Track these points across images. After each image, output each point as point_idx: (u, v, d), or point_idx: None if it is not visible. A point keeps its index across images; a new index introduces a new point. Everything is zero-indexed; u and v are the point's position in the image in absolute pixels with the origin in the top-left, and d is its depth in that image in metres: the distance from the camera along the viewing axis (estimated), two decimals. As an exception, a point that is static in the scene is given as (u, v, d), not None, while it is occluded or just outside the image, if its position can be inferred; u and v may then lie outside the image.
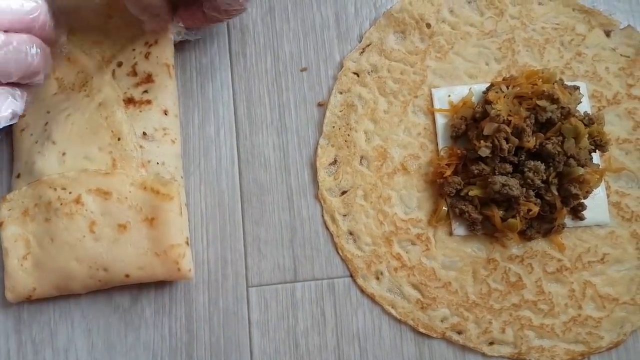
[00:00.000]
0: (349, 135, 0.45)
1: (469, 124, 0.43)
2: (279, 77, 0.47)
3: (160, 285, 0.43)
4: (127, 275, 0.39)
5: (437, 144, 0.44)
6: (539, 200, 0.41)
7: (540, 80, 0.42)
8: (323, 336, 0.42)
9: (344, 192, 0.44)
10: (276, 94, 0.46)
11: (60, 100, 0.43)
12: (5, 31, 0.33)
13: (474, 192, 0.41)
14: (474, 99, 0.44)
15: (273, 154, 0.45)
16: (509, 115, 0.40)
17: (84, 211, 0.39)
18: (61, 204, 0.39)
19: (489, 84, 0.44)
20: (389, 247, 0.43)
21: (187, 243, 0.41)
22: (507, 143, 0.40)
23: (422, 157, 0.44)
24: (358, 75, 0.46)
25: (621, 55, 0.46)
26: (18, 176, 0.42)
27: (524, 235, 0.42)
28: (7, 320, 0.42)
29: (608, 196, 0.43)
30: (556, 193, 0.40)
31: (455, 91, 0.45)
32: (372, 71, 0.46)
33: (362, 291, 0.43)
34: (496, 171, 0.41)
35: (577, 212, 0.42)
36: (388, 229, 0.43)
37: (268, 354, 0.42)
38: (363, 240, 0.43)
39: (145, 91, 0.42)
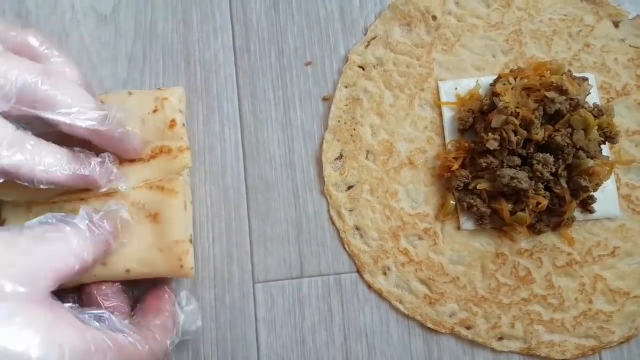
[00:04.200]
0: (354, 129, 0.44)
1: (477, 117, 0.42)
2: (283, 72, 0.46)
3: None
4: (127, 271, 0.38)
5: (444, 138, 0.44)
6: (548, 193, 0.40)
7: (548, 71, 0.41)
8: (330, 332, 0.42)
9: (350, 187, 0.44)
10: (281, 89, 0.46)
11: None
12: None
13: (482, 185, 0.41)
14: (481, 92, 0.44)
15: (278, 149, 0.45)
16: (517, 107, 0.40)
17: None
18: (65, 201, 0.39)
19: (497, 76, 0.43)
20: (396, 242, 0.43)
21: (190, 241, 0.40)
22: (516, 135, 0.39)
23: (429, 150, 0.44)
24: (363, 69, 0.45)
25: (630, 46, 0.45)
26: None
27: (533, 229, 0.42)
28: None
29: (618, 189, 0.43)
30: (565, 186, 0.40)
31: (462, 84, 0.44)
32: (377, 64, 0.45)
33: (369, 287, 0.43)
34: (504, 164, 0.40)
35: (586, 205, 0.42)
36: (395, 223, 0.43)
37: (275, 350, 0.42)
38: (370, 235, 0.43)
39: None
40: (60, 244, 0.30)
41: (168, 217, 0.39)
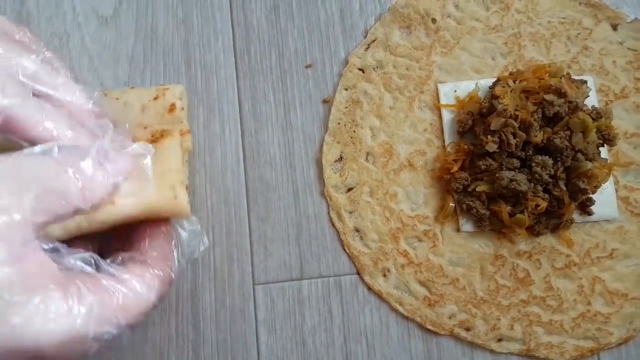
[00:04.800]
0: (354, 131, 0.45)
1: (476, 119, 0.43)
2: (283, 74, 0.46)
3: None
4: (113, 203, 0.30)
5: (443, 140, 0.44)
6: (546, 196, 0.40)
7: (547, 74, 0.41)
8: (330, 334, 0.42)
9: (350, 189, 0.44)
10: (281, 91, 0.46)
11: None
12: None
13: (481, 187, 0.41)
14: (480, 94, 0.44)
15: (278, 151, 0.45)
16: (516, 110, 0.40)
17: None
18: None
19: (496, 79, 0.44)
20: (396, 244, 0.43)
21: (186, 187, 0.35)
22: (515, 138, 0.39)
23: (429, 153, 0.44)
24: (363, 72, 0.46)
25: (628, 48, 0.45)
26: None
27: (532, 231, 0.42)
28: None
29: (616, 191, 0.43)
30: (564, 188, 0.40)
31: (461, 86, 0.44)
32: (377, 67, 0.46)
33: (369, 288, 0.43)
34: (504, 166, 0.40)
35: (585, 207, 0.42)
36: (395, 225, 0.43)
37: (275, 352, 0.42)
38: (369, 237, 0.43)
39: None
40: (54, 195, 0.26)
41: (161, 152, 0.34)
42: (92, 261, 0.27)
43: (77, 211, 0.27)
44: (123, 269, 0.28)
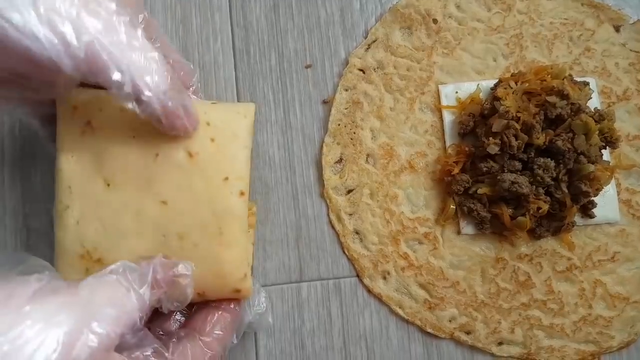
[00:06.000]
0: (354, 132, 0.44)
1: (477, 121, 0.42)
2: (283, 74, 0.46)
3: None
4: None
5: (444, 142, 0.44)
6: (548, 198, 0.40)
7: (549, 76, 0.41)
8: (329, 336, 0.42)
9: (349, 191, 0.44)
10: (281, 92, 0.46)
11: None
12: None
13: (482, 190, 0.41)
14: (481, 96, 0.43)
15: (278, 152, 0.45)
16: (518, 111, 0.40)
17: None
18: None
19: (497, 80, 0.43)
20: (396, 247, 0.42)
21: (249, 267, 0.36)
22: (517, 140, 0.39)
23: (430, 154, 0.44)
24: (364, 72, 0.45)
25: (631, 50, 0.45)
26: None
27: (533, 234, 0.42)
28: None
29: (618, 193, 0.43)
30: (566, 190, 0.40)
31: (462, 87, 0.44)
32: (378, 68, 0.45)
33: (369, 291, 0.42)
34: (505, 169, 0.40)
35: (587, 210, 0.42)
36: (395, 227, 0.43)
37: (274, 354, 0.42)
38: (369, 239, 0.43)
39: None
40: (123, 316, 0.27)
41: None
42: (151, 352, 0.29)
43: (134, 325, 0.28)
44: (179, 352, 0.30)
